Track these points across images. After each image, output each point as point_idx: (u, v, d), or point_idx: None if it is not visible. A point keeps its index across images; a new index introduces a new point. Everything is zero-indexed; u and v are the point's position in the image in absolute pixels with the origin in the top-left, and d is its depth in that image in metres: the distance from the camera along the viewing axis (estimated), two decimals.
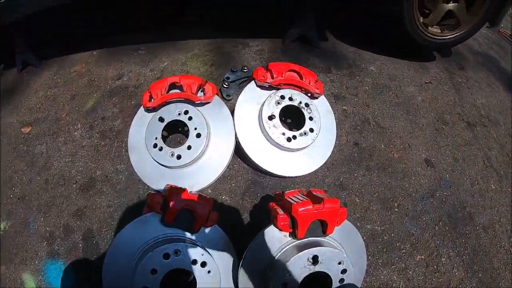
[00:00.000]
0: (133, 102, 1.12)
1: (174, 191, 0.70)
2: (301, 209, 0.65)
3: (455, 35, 1.36)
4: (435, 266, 0.94)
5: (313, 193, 0.72)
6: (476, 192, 1.12)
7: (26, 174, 1.04)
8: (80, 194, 0.96)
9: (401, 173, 1.06)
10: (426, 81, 1.37)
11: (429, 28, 1.32)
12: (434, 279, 0.92)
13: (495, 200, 1.13)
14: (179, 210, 0.68)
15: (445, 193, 1.07)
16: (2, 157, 1.10)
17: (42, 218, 0.94)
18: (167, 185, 0.79)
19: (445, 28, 1.36)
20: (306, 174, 0.92)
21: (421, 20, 1.27)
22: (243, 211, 0.91)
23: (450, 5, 1.29)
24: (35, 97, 1.25)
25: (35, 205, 0.97)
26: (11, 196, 1.01)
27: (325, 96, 0.99)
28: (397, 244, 0.93)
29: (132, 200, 0.93)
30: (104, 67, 1.27)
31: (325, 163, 0.94)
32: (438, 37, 1.34)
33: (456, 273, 0.94)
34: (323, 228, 0.69)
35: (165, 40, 1.35)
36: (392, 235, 0.95)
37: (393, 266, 0.90)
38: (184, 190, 0.72)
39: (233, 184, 0.95)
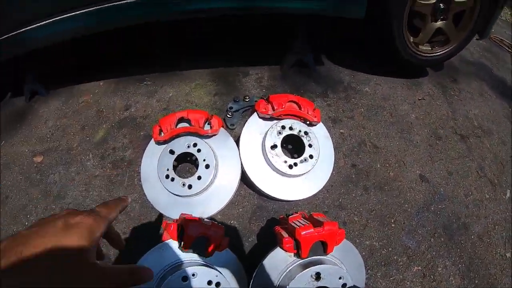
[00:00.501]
0: (142, 133, 1.24)
1: (190, 221, 0.83)
2: (303, 232, 0.77)
3: (445, 50, 1.49)
4: (431, 276, 1.03)
5: (314, 217, 0.85)
6: (470, 202, 1.22)
7: (41, 202, 1.14)
8: None
9: (397, 190, 1.18)
10: (419, 98, 1.50)
11: (420, 46, 1.45)
12: None
13: (489, 208, 1.23)
14: (195, 238, 0.82)
15: (439, 206, 1.17)
16: (15, 185, 1.21)
17: None
18: (182, 214, 0.93)
19: (435, 45, 1.49)
20: (307, 198, 1.05)
21: (412, 40, 1.40)
22: (251, 234, 1.03)
23: (439, 23, 1.42)
24: (45, 127, 1.37)
25: None
26: (27, 224, 1.10)
27: (323, 120, 1.13)
28: (395, 258, 1.04)
29: (146, 226, 1.04)
30: (112, 98, 1.39)
31: (324, 186, 1.06)
32: (429, 54, 1.47)
33: (453, 281, 1.04)
34: (324, 248, 0.81)
35: (168, 70, 1.48)
36: (390, 249, 1.05)
37: (391, 278, 1.00)
38: (198, 219, 0.86)
39: (240, 209, 1.07)
